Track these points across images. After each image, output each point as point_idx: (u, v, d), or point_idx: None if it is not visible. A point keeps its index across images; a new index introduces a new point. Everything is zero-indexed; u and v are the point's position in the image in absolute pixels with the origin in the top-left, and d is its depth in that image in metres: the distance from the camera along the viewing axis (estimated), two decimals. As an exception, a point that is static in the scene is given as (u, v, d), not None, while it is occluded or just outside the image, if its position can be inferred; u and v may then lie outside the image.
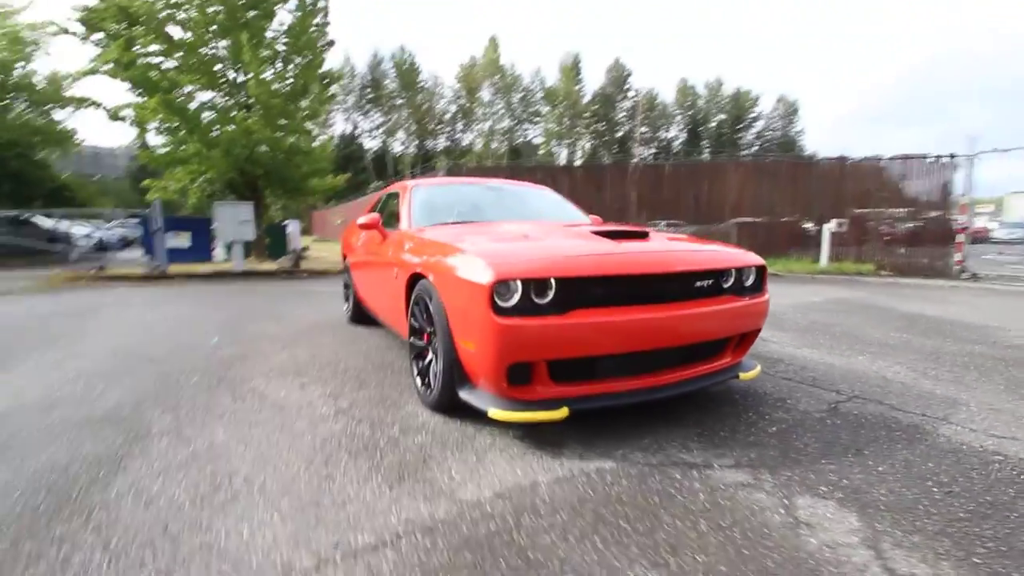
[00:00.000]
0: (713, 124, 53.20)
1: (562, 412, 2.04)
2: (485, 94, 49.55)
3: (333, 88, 15.55)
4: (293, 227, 14.48)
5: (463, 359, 2.23)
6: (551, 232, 2.76)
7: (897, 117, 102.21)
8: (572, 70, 49.02)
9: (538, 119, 50.80)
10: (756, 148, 51.25)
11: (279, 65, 12.53)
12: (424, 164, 46.42)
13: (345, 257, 5.17)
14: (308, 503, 1.72)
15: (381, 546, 1.49)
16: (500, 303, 2.00)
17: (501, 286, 2.01)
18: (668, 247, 2.48)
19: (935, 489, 1.80)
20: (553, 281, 2.05)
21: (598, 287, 2.14)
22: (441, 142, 51.00)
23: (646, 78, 75.36)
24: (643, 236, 2.59)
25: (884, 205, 11.11)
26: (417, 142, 50.08)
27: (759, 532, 1.55)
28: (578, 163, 43.31)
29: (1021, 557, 1.44)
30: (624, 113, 51.72)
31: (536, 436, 2.23)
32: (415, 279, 2.71)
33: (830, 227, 10.67)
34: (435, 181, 4.02)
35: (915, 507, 1.69)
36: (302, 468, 1.97)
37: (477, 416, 2.22)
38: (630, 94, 50.75)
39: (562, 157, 50.59)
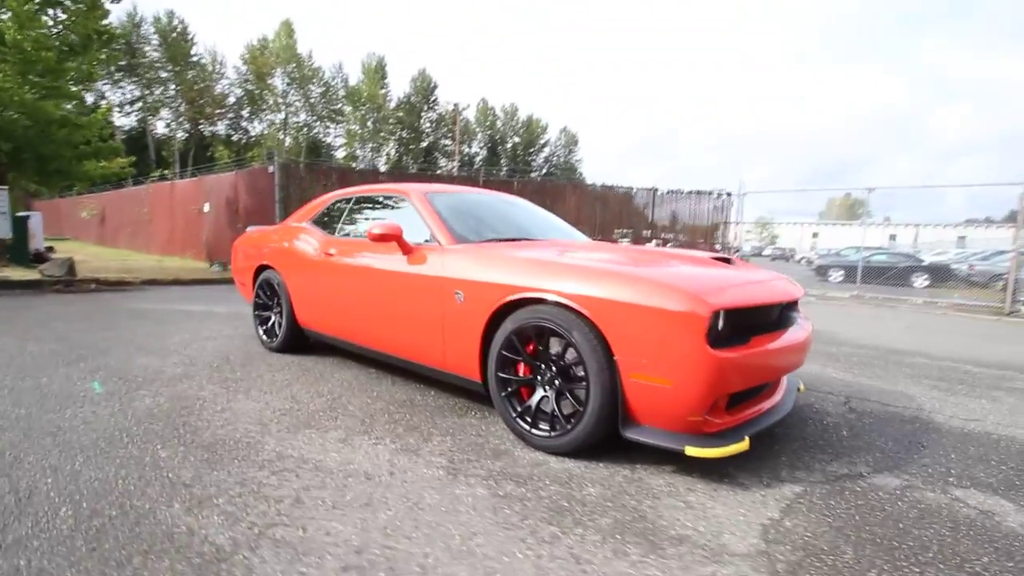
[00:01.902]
0: (509, 145, 57.47)
1: (746, 443, 2.03)
2: (278, 82, 44.74)
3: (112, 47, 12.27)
4: (36, 221, 10.97)
5: (633, 396, 2.04)
6: (670, 257, 2.71)
7: (643, 156, 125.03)
8: (377, 73, 47.59)
9: (340, 118, 47.93)
10: (544, 171, 57.02)
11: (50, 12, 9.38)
12: (201, 151, 39.73)
13: (262, 268, 4.16)
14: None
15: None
16: (713, 335, 1.90)
17: (715, 317, 1.91)
18: (771, 276, 2.65)
19: (997, 470, 2.33)
20: (736, 311, 2.04)
21: (759, 316, 2.19)
22: (221, 128, 44.25)
23: (451, 93, 77.49)
24: (729, 262, 2.73)
25: (640, 228, 13.58)
26: (188, 125, 42.51)
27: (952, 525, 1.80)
28: (383, 169, 42.12)
29: None
30: (430, 124, 52.29)
31: (700, 471, 2.16)
32: (510, 307, 2.37)
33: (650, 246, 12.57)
34: (443, 188, 3.52)
35: None
36: None
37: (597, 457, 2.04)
38: (437, 107, 51.59)
39: (365, 161, 48.65)
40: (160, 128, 42.35)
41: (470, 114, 50.86)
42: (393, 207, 3.34)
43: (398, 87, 69.19)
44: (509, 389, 2.43)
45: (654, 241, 12.81)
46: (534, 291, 2.26)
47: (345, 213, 3.64)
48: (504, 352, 2.41)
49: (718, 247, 13.18)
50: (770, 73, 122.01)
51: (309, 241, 3.72)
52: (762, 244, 41.31)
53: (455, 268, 2.63)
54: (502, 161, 56.26)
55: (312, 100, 46.03)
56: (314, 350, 4.08)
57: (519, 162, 56.33)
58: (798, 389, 2.82)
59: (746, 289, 2.20)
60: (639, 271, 2.15)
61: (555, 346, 2.31)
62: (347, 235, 3.51)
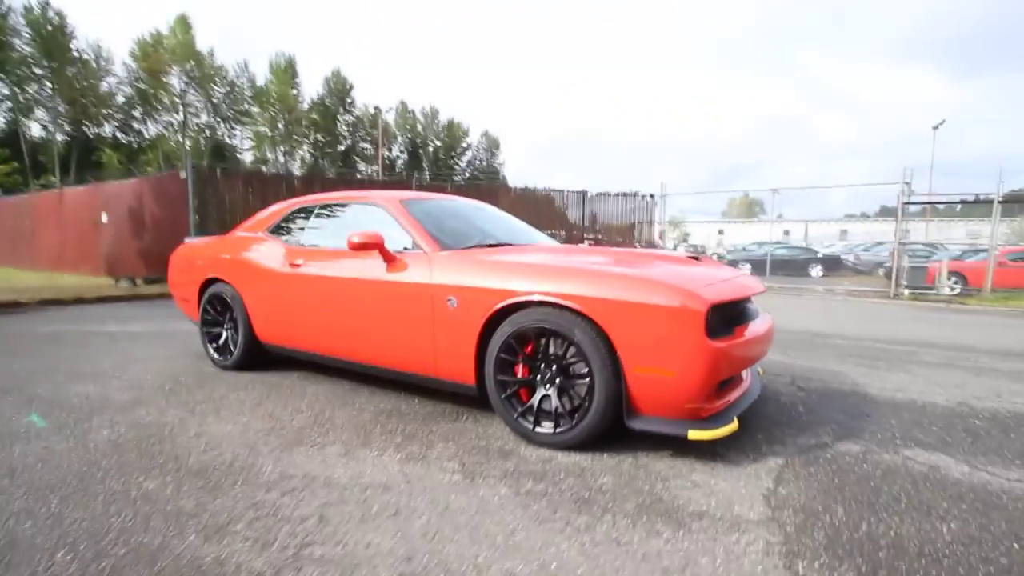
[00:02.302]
0: (431, 148, 56.93)
1: (735, 424, 2.24)
2: (175, 81, 41.28)
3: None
4: None
5: (637, 388, 2.18)
6: (654, 258, 2.86)
7: (557, 159, 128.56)
8: (286, 72, 45.28)
9: (247, 119, 45.08)
10: (467, 175, 57.07)
11: None
12: (85, 156, 35.91)
13: (209, 282, 3.89)
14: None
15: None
16: (710, 328, 2.08)
17: (711, 311, 2.08)
18: (737, 272, 2.89)
19: (927, 430, 2.72)
20: (724, 305, 2.24)
21: (737, 309, 2.41)
22: (109, 130, 40.11)
23: (368, 95, 75.17)
24: (697, 260, 2.95)
25: (556, 227, 14.08)
26: (70, 127, 38.16)
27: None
28: (298, 172, 40.09)
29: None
30: (347, 127, 50.58)
31: (694, 453, 2.34)
32: (505, 311, 2.43)
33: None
34: (416, 195, 3.47)
35: (942, 443, 2.53)
36: None
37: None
38: (354, 109, 50.01)
39: (278, 166, 46.14)
40: (36, 130, 37.66)
41: (390, 117, 49.77)
42: (363, 215, 3.27)
43: (311, 88, 66.32)
44: (509, 391, 2.49)
45: (587, 241, 13.28)
46: (535, 294, 2.34)
47: (309, 222, 3.51)
48: (503, 355, 2.46)
49: (637, 245, 13.91)
50: (670, 79, 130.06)
51: (268, 252, 3.54)
52: (676, 242, 44.20)
53: (445, 275, 2.65)
54: (424, 164, 55.63)
55: (215, 100, 42.93)
56: (275, 365, 3.88)
57: (441, 166, 55.97)
58: (759, 373, 3.11)
59: (728, 284, 2.41)
60: (636, 272, 2.30)
61: (554, 346, 2.40)
62: (314, 245, 3.39)
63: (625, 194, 14.31)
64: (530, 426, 2.41)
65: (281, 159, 47.36)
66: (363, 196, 3.36)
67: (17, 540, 1.64)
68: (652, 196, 14.21)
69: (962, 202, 12.50)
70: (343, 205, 3.46)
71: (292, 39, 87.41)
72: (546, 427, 2.39)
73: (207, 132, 43.55)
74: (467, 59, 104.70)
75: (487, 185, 15.51)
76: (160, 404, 3.02)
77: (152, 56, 38.99)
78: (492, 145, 60.31)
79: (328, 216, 3.47)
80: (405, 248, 2.93)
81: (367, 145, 52.93)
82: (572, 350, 2.31)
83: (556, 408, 2.37)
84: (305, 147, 49.19)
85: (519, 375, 2.50)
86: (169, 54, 39.78)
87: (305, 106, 47.13)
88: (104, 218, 12.78)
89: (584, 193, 14.25)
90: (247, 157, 45.45)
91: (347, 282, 3.01)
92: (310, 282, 3.20)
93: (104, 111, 39.01)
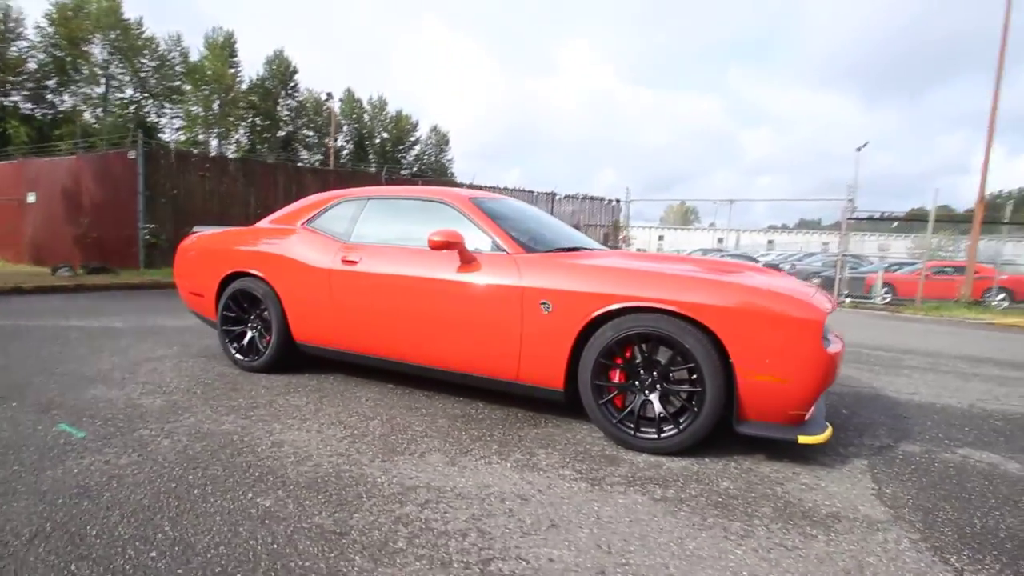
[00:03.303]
0: (378, 140, 55.31)
1: (830, 430, 2.36)
2: (96, 50, 37.62)
3: None
4: None
5: (748, 395, 2.25)
6: (740, 267, 2.96)
7: (500, 158, 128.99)
8: (224, 50, 42.43)
9: (178, 97, 41.84)
10: (415, 170, 55.98)
11: None
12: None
13: (232, 276, 3.62)
14: None
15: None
16: (825, 337, 2.19)
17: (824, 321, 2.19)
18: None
19: (960, 431, 3.00)
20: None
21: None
22: (18, 99, 35.95)
23: (312, 81, 71.61)
24: (778, 270, 3.09)
25: None
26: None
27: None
28: (232, 156, 37.71)
29: None
30: (289, 112, 48.13)
31: (787, 457, 2.45)
32: (606, 316, 2.43)
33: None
34: (484, 195, 3.35)
35: (981, 443, 2.80)
36: None
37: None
38: (297, 94, 47.66)
39: (212, 147, 43.22)
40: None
41: (336, 105, 47.81)
42: (426, 213, 3.16)
43: (251, 68, 62.56)
44: (606, 396, 2.50)
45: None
46: (647, 300, 2.36)
47: (361, 217, 3.33)
48: (602, 360, 2.47)
49: (622, 246, 14.29)
50: (610, 89, 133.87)
51: (313, 246, 3.34)
52: (620, 245, 45.80)
53: (538, 278, 2.61)
54: (370, 157, 54.00)
55: (143, 74, 39.52)
56: (304, 367, 3.67)
57: (388, 158, 54.55)
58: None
59: (823, 296, 2.55)
60: (753, 282, 2.38)
61: (650, 351, 2.43)
62: (369, 241, 3.22)
63: (592, 198, 14.61)
64: (631, 431, 2.44)
65: (214, 142, 44.40)
66: (427, 192, 3.24)
67: (158, 573, 1.46)
68: (619, 200, 14.60)
69: (899, 218, 13.79)
70: (402, 200, 3.32)
71: (233, 15, 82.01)
72: (647, 432, 2.42)
73: (132, 109, 40.03)
74: (415, 52, 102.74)
75: (449, 182, 15.29)
76: (204, 410, 2.78)
77: (72, 22, 35.34)
78: (441, 140, 59.41)
79: (384, 212, 3.31)
80: (477, 249, 2.87)
81: (310, 133, 50.72)
82: (679, 356, 2.35)
83: (659, 414, 2.41)
84: (241, 130, 46.38)
85: (616, 380, 2.51)
86: (91, 21, 36.22)
87: (244, 87, 44.40)
88: (31, 198, 11.51)
89: (553, 195, 14.42)
90: (172, 136, 42.21)
91: (420, 282, 2.89)
92: (371, 280, 3.05)
93: (12, 78, 34.93)
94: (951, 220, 14.07)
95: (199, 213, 10.60)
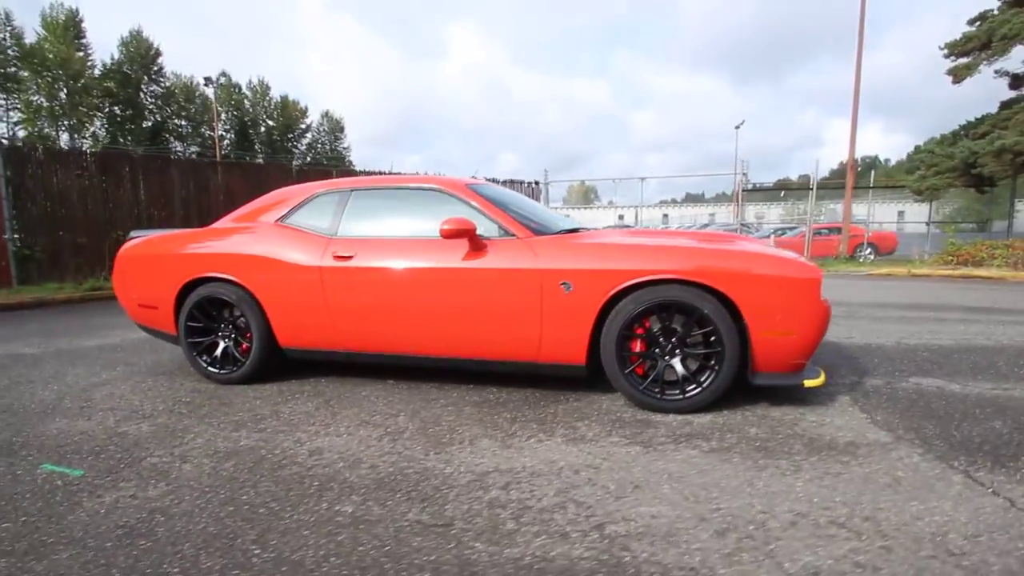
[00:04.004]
0: (263, 129, 51.25)
1: (823, 374, 2.70)
2: None
3: None
4: None
5: (760, 350, 2.51)
6: (736, 237, 3.20)
7: (399, 145, 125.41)
8: (68, 30, 36.71)
9: (13, 86, 35.68)
10: (309, 159, 52.72)
11: None
12: None
13: (193, 283, 3.29)
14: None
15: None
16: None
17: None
18: None
19: (897, 364, 3.54)
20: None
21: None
22: None
23: (180, 64, 63.83)
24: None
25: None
26: None
27: (943, 399, 2.81)
28: (89, 150, 33.07)
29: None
30: (155, 99, 42.93)
31: (788, 401, 2.77)
32: (626, 290, 2.58)
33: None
34: (477, 181, 3.27)
35: (917, 372, 3.35)
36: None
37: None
38: (163, 79, 42.56)
39: (62, 141, 37.54)
40: None
41: (212, 92, 43.39)
42: (419, 201, 3.08)
43: (103, 51, 54.95)
44: (630, 366, 2.65)
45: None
46: (665, 273, 2.52)
47: (346, 210, 3.16)
48: (624, 332, 2.61)
49: None
50: (504, 74, 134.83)
51: (296, 244, 3.12)
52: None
53: (556, 259, 2.68)
54: (256, 146, 50.01)
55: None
56: (284, 373, 3.45)
57: (278, 148, 50.84)
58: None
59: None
60: (759, 249, 2.62)
61: (672, 319, 2.62)
62: (360, 235, 3.08)
63: (512, 181, 14.75)
64: (657, 395, 2.61)
65: (65, 136, 38.62)
66: (418, 180, 3.14)
67: (287, 590, 1.38)
68: (537, 183, 14.89)
69: (789, 188, 15.48)
70: (390, 190, 3.19)
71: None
72: (672, 394, 2.61)
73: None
74: (295, 34, 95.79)
75: (347, 171, 14.55)
76: (206, 429, 2.55)
77: None
78: (335, 128, 56.33)
79: (371, 203, 3.17)
80: (484, 235, 2.87)
81: (182, 122, 45.81)
82: (697, 321, 2.55)
83: (682, 375, 2.60)
84: (98, 122, 40.76)
85: (636, 349, 2.67)
86: None
87: (97, 72, 38.88)
88: None
89: (473, 179, 14.30)
90: (12, 132, 36.09)
91: (431, 272, 2.83)
92: (372, 275, 2.93)
93: None
94: (829, 187, 16.08)
95: (80, 219, 9.30)
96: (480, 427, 2.50)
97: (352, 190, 3.22)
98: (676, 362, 2.62)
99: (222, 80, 46.67)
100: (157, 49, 42.20)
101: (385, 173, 13.27)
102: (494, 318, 2.78)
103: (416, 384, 3.20)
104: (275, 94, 51.88)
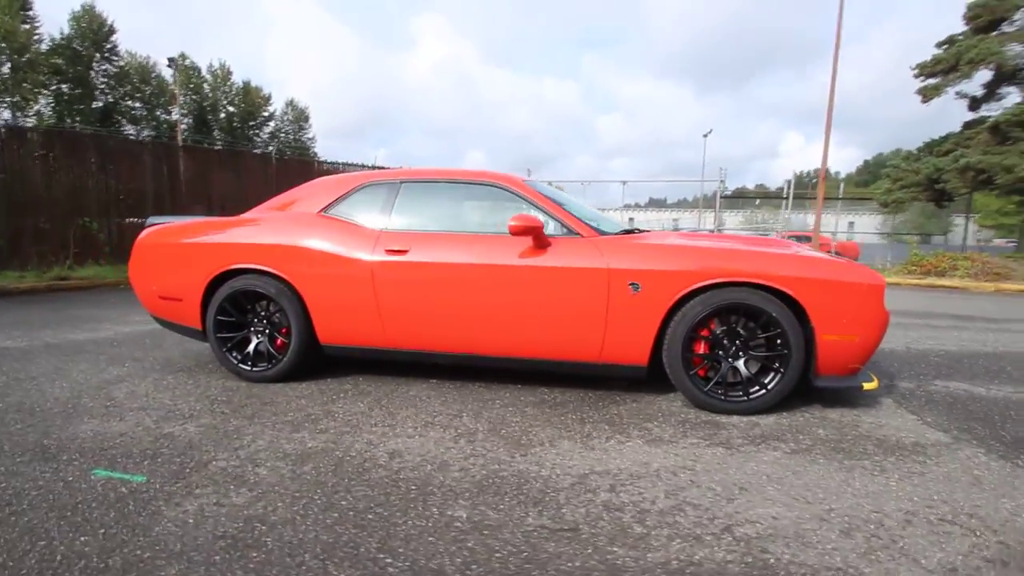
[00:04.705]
0: (223, 115, 49.15)
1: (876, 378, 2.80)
2: None
3: None
4: None
5: (823, 353, 2.57)
6: (784, 244, 3.20)
7: (365, 138, 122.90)
8: (12, 1, 34.10)
9: (-55, 56, 32.82)
10: (272, 148, 50.94)
11: None
12: None
13: (224, 276, 3.11)
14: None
15: None
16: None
17: (883, 286, 2.58)
18: None
19: (915, 367, 3.71)
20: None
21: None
22: None
23: (134, 43, 60.14)
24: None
25: None
26: None
27: (975, 401, 2.96)
28: (32, 128, 30.79)
29: (984, 379, 3.44)
30: (107, 79, 40.45)
31: (839, 404, 2.85)
32: (697, 291, 2.60)
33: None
34: (530, 179, 3.19)
35: (937, 375, 3.52)
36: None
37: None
38: (117, 58, 40.13)
39: (3, 119, 34.86)
40: None
41: (169, 73, 41.22)
42: (475, 196, 3.02)
43: (52, 25, 51.36)
44: (694, 368, 2.67)
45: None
46: (737, 276, 2.54)
47: (395, 203, 3.05)
48: (690, 334, 2.62)
49: None
50: (472, 73, 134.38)
51: (343, 236, 2.99)
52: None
53: (624, 259, 2.67)
54: (215, 133, 47.94)
55: None
56: (314, 373, 3.32)
57: (239, 135, 48.89)
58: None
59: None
60: (822, 255, 2.68)
61: (737, 322, 2.65)
62: (413, 228, 2.98)
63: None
64: (721, 397, 2.64)
65: (7, 114, 35.92)
66: (473, 175, 3.06)
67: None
68: (519, 182, 14.83)
69: (765, 196, 16.02)
70: (444, 184, 3.10)
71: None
72: (735, 396, 2.64)
73: None
74: (258, 18, 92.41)
75: (310, 160, 13.90)
76: (261, 431, 2.41)
77: None
78: (299, 117, 54.54)
79: (424, 197, 3.07)
80: (548, 233, 2.82)
81: (136, 104, 43.41)
82: (763, 324, 2.59)
83: (746, 377, 2.64)
84: (43, 100, 38.10)
85: (700, 351, 2.69)
86: None
87: (44, 48, 36.32)
88: None
89: (373, 167, 13.69)
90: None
91: (496, 269, 2.76)
92: (430, 271, 2.84)
93: None
94: (802, 198, 16.78)
95: (43, 204, 8.67)
96: (552, 428, 2.47)
97: (402, 182, 3.12)
98: (740, 364, 2.66)
99: (187, 62, 44.55)
100: (111, 26, 39.79)
101: (366, 165, 12.95)
102: (558, 317, 2.75)
103: (463, 384, 3.13)
104: (237, 79, 49.89)
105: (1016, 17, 12.96)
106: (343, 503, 1.79)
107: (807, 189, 17.20)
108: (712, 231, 14.79)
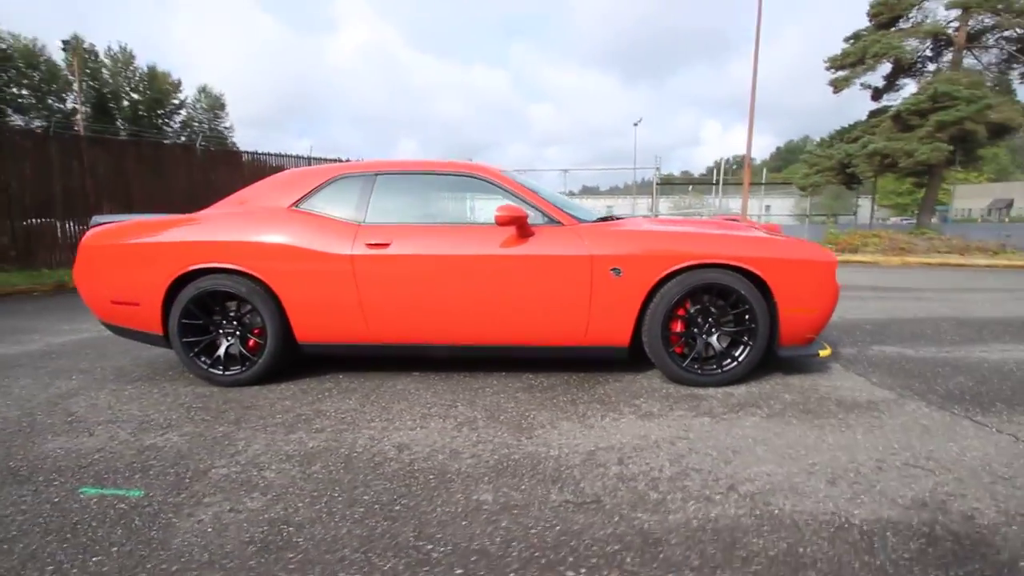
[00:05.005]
0: (127, 103, 45.04)
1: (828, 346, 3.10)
2: None
3: None
4: None
5: (786, 326, 2.82)
6: (748, 226, 3.43)
7: (287, 127, 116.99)
8: None
9: None
10: (185, 138, 47.34)
11: None
12: None
13: (185, 277, 2.95)
14: (915, 440, 2.17)
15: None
16: (833, 274, 2.86)
17: (834, 262, 2.85)
18: None
19: (850, 335, 4.13)
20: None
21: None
22: None
23: (15, 23, 53.15)
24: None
25: None
26: None
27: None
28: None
29: (909, 342, 3.89)
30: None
31: (799, 371, 3.13)
32: (670, 275, 2.76)
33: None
34: (506, 169, 3.19)
35: (870, 341, 3.93)
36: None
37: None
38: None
39: None
40: None
41: (61, 57, 37.16)
42: (452, 187, 3.02)
43: None
44: (671, 346, 2.84)
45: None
46: (712, 258, 2.72)
47: (372, 194, 2.99)
48: (668, 314, 2.79)
49: None
50: (399, 60, 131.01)
51: (319, 231, 2.91)
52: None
53: (605, 246, 2.78)
54: (119, 122, 43.90)
55: None
56: (289, 373, 3.22)
57: (145, 124, 45.01)
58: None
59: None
60: (785, 238, 2.91)
61: (710, 301, 2.85)
62: (392, 221, 2.94)
63: None
64: (697, 371, 2.84)
65: None
66: (451, 167, 3.05)
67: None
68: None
69: (696, 182, 16.82)
70: (421, 176, 3.07)
71: None
72: (710, 369, 2.85)
73: None
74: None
75: (237, 152, 12.92)
76: (252, 435, 2.33)
77: None
78: (214, 105, 50.93)
79: (401, 189, 3.03)
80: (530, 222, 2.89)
81: (23, 91, 38.91)
82: (733, 302, 2.80)
83: (719, 351, 2.85)
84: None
85: (677, 330, 2.87)
86: None
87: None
88: None
89: (308, 160, 12.75)
90: None
91: (481, 260, 2.79)
92: (415, 264, 2.82)
93: None
94: (732, 183, 17.81)
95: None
96: (547, 411, 2.56)
97: (377, 174, 3.06)
98: (714, 339, 2.87)
99: (85, 45, 40.35)
100: (-17, 1, 35.26)
101: (302, 157, 12.38)
102: (545, 304, 2.83)
103: (447, 375, 3.15)
104: (141, 64, 45.90)
105: (911, 14, 14.41)
106: (365, 498, 1.79)
107: (728, 175, 18.34)
108: (648, 216, 15.54)
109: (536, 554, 1.47)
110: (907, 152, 13.16)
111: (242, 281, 2.92)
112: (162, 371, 3.35)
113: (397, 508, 1.72)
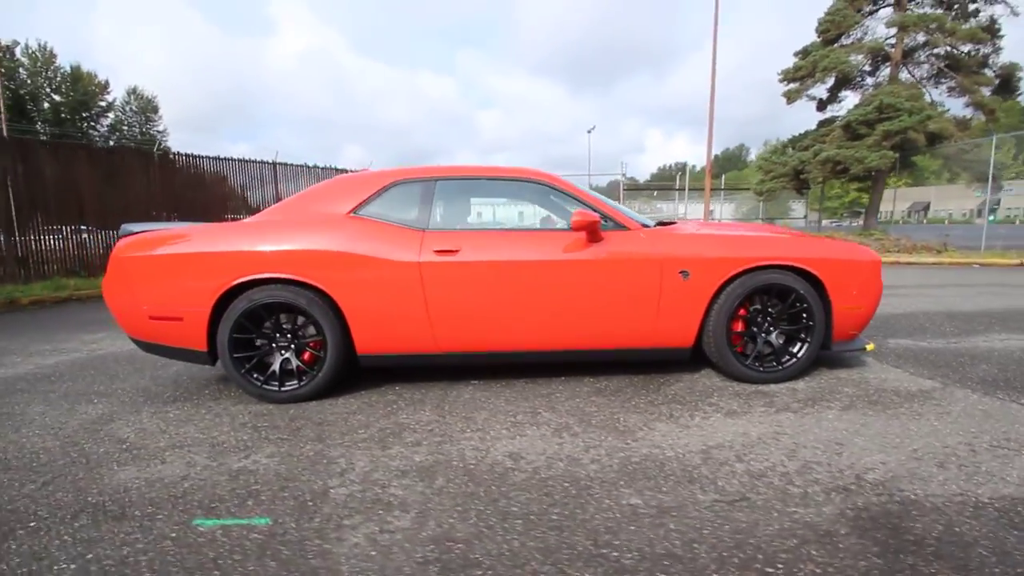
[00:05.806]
0: (47, 105, 41.63)
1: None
2: None
3: None
4: None
5: (838, 322, 2.98)
6: (785, 231, 3.55)
7: (222, 132, 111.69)
8: None
9: None
10: (114, 141, 44.23)
11: None
12: None
13: (237, 288, 2.78)
14: (983, 424, 2.35)
15: (1015, 409, 2.55)
16: (877, 274, 3.06)
17: (878, 262, 3.05)
18: None
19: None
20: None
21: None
22: None
23: None
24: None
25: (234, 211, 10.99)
26: None
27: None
28: None
29: (914, 335, 4.20)
30: None
31: (840, 365, 3.31)
32: (736, 276, 2.87)
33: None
34: (560, 175, 3.18)
35: (880, 335, 4.21)
36: (927, 425, 2.35)
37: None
38: None
39: None
40: None
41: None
42: (514, 192, 3.01)
43: None
44: (736, 345, 2.95)
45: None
46: (774, 260, 2.85)
47: (433, 201, 2.93)
48: (731, 314, 2.90)
49: None
50: (343, 60, 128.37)
51: (383, 238, 2.81)
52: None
53: (673, 249, 2.85)
54: (39, 125, 40.56)
55: None
56: (346, 385, 3.10)
57: (69, 127, 41.80)
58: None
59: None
60: (832, 239, 3.08)
61: (770, 301, 2.98)
62: (456, 227, 2.89)
63: (336, 169, 13.48)
64: (759, 369, 2.95)
65: None
66: (511, 172, 3.02)
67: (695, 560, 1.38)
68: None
69: (660, 187, 17.39)
70: (483, 181, 3.02)
71: None
72: (770, 366, 2.97)
73: None
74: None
75: (135, 150, 11.36)
76: (349, 452, 2.23)
77: None
78: (146, 107, 47.97)
79: (463, 194, 2.99)
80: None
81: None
82: (792, 301, 2.94)
83: (778, 349, 2.98)
84: None
85: (739, 330, 2.98)
86: None
87: None
88: None
89: (274, 165, 12.09)
90: None
91: (557, 265, 2.78)
92: (488, 270, 2.78)
93: None
94: (695, 189, 18.51)
95: None
96: (633, 413, 2.59)
97: (436, 179, 3.00)
98: (773, 337, 2.99)
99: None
100: None
101: (266, 162, 11.86)
102: (617, 307, 2.86)
103: (507, 382, 3.11)
104: (63, 63, 42.66)
105: (853, 31, 15.61)
106: (514, 509, 1.75)
107: (672, 181, 19.19)
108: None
109: (724, 554, 1.49)
110: (858, 159, 14.22)
111: (301, 292, 2.78)
112: (195, 390, 3.13)
113: (554, 517, 1.69)
